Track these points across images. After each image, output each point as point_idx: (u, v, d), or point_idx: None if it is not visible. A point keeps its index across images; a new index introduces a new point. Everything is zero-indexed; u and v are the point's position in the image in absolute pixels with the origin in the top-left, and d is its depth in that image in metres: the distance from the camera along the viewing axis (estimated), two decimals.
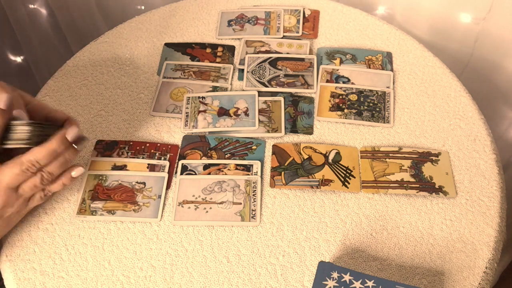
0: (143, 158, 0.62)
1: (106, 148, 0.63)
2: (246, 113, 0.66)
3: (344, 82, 0.69)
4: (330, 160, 0.61)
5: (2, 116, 0.48)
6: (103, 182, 0.60)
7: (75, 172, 0.53)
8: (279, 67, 0.71)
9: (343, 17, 0.79)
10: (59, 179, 0.53)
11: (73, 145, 0.52)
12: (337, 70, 0.71)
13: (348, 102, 0.67)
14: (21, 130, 0.49)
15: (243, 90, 0.69)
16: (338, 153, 0.62)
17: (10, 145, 0.49)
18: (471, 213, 0.57)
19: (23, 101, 0.53)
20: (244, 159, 0.62)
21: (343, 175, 0.60)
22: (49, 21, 1.08)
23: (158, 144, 0.64)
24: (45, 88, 0.71)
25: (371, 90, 0.68)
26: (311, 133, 0.65)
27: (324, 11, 0.80)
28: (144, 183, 0.60)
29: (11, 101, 0.49)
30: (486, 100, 0.81)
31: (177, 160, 0.62)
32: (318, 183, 0.59)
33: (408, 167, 0.60)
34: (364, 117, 0.65)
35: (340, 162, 0.61)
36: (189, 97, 0.68)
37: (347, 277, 0.47)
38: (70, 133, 0.51)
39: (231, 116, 0.66)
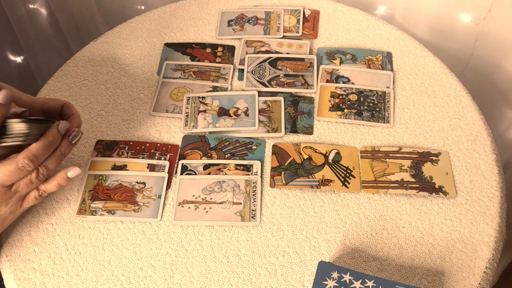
0: (143, 158, 0.62)
1: (106, 148, 0.64)
2: (246, 113, 0.66)
3: (344, 82, 0.69)
4: (330, 160, 0.61)
5: (1, 110, 0.47)
6: (103, 182, 0.60)
7: (71, 173, 0.53)
8: (279, 67, 0.71)
9: (343, 17, 0.79)
10: (55, 179, 0.53)
11: (68, 139, 0.52)
12: (337, 70, 0.71)
13: (348, 102, 0.67)
14: (18, 128, 0.48)
15: (243, 90, 0.69)
16: (338, 153, 0.62)
17: (8, 142, 0.48)
18: (471, 213, 0.57)
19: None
20: (244, 159, 0.62)
21: (343, 175, 0.60)
22: (49, 21, 1.08)
23: (158, 144, 0.64)
24: (45, 88, 0.71)
25: (371, 90, 0.68)
26: (311, 133, 0.65)
27: (324, 11, 0.80)
28: (144, 183, 0.60)
29: (10, 97, 0.47)
30: (486, 100, 0.81)
31: (177, 160, 0.62)
32: (318, 183, 0.59)
33: (408, 167, 0.60)
34: (364, 117, 0.65)
35: (340, 162, 0.61)
36: (189, 97, 0.68)
37: (347, 277, 0.47)
38: (61, 127, 0.51)
39: (231, 116, 0.66)
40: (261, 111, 0.66)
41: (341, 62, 0.72)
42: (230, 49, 0.75)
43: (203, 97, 0.68)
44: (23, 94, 0.54)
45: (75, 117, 0.56)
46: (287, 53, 0.73)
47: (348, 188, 0.59)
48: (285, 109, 0.67)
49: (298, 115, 0.66)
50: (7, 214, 0.52)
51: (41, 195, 0.53)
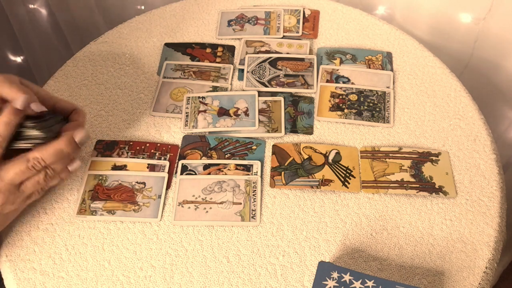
0: (143, 158, 0.62)
1: (106, 148, 0.64)
2: (246, 113, 0.66)
3: (344, 82, 0.69)
4: (330, 160, 0.61)
5: (17, 115, 0.48)
6: (103, 182, 0.60)
7: (72, 166, 0.54)
8: (279, 67, 0.71)
9: (343, 17, 0.79)
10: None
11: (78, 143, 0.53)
12: (337, 70, 0.71)
13: (348, 102, 0.67)
14: (33, 133, 0.50)
15: (243, 90, 0.69)
16: (338, 153, 0.62)
17: (20, 145, 0.50)
18: (471, 213, 0.57)
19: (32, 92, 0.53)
20: (244, 159, 0.62)
21: (343, 175, 0.60)
22: (49, 21, 1.08)
23: (158, 144, 0.64)
24: (45, 88, 0.71)
25: (371, 90, 0.68)
26: (311, 133, 0.65)
27: (324, 11, 0.80)
28: (144, 183, 0.60)
29: (27, 102, 0.49)
30: (486, 100, 0.81)
31: (177, 160, 0.62)
32: (318, 183, 0.59)
33: (408, 167, 0.60)
34: (364, 117, 0.65)
35: (340, 162, 0.61)
36: (189, 97, 0.68)
37: (347, 277, 0.47)
38: (78, 136, 0.52)
39: (231, 116, 0.66)
40: (261, 111, 0.66)
41: (341, 62, 0.72)
42: (230, 49, 0.75)
43: (203, 97, 0.68)
44: (40, 88, 0.55)
45: (79, 123, 0.57)
46: (287, 53, 0.73)
47: (348, 188, 0.59)
48: (285, 109, 0.67)
49: (298, 115, 0.66)
50: (11, 212, 0.53)
51: (43, 189, 0.54)
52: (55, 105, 0.55)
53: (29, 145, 0.50)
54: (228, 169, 0.61)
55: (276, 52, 0.74)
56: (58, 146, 0.50)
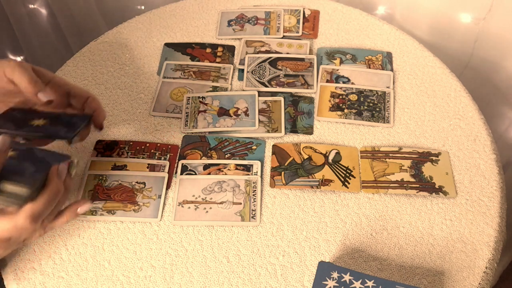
0: (143, 158, 0.62)
1: (106, 148, 0.63)
2: (246, 113, 0.66)
3: (344, 82, 0.69)
4: (330, 160, 0.61)
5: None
6: (103, 182, 0.60)
7: (81, 209, 0.50)
8: (279, 67, 0.71)
9: (343, 17, 0.79)
10: (64, 216, 0.50)
11: (68, 174, 0.49)
12: (337, 70, 0.71)
13: (348, 102, 0.67)
14: (13, 189, 0.43)
15: (243, 90, 0.69)
16: (338, 153, 0.62)
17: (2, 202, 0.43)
18: (471, 213, 0.57)
19: (45, 79, 0.52)
20: (244, 159, 0.62)
21: (343, 175, 0.60)
22: (49, 21, 1.08)
23: (158, 144, 0.64)
24: None
25: (371, 90, 0.68)
26: (311, 133, 0.65)
27: (324, 11, 0.80)
28: (144, 183, 0.60)
29: (8, 143, 0.43)
30: (486, 100, 0.81)
31: (177, 160, 0.62)
32: (318, 183, 0.59)
33: (408, 167, 0.60)
34: (364, 117, 0.65)
35: (340, 162, 0.61)
36: (189, 97, 0.68)
37: (347, 277, 0.47)
38: (61, 170, 0.47)
39: (231, 116, 0.66)
40: (261, 111, 0.66)
41: (341, 62, 0.72)
42: (230, 49, 0.75)
43: (203, 97, 0.68)
44: (54, 75, 0.54)
45: (101, 111, 0.56)
46: (287, 53, 0.73)
47: (348, 188, 0.59)
48: (285, 109, 0.67)
49: (298, 115, 0.66)
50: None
51: (46, 232, 0.50)
52: (70, 91, 0.55)
53: (15, 205, 0.43)
54: (228, 169, 0.61)
55: (276, 52, 0.74)
56: (46, 194, 0.45)
